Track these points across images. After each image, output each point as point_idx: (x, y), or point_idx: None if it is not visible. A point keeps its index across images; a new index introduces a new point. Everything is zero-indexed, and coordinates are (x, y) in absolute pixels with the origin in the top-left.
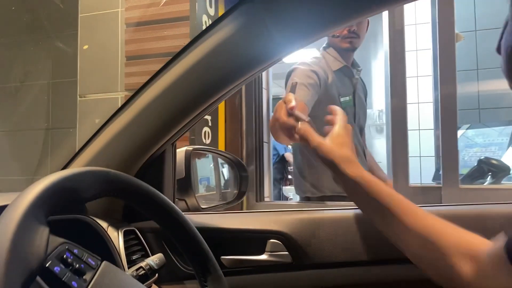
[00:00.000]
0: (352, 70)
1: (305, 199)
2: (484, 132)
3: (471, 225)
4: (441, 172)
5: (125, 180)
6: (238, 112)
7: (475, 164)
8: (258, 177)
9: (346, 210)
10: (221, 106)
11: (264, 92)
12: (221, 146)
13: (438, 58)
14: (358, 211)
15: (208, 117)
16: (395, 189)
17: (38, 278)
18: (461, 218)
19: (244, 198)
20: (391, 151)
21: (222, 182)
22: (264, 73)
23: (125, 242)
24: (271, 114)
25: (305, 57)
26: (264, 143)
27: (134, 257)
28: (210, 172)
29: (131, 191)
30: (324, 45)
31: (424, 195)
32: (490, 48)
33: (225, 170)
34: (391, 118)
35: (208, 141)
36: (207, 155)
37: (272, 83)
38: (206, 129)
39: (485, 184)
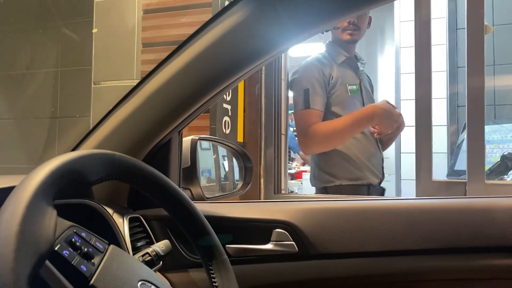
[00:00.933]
0: (356, 62)
1: (322, 189)
2: (499, 129)
3: (480, 218)
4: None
5: (131, 163)
6: (258, 102)
7: (498, 160)
8: (276, 169)
9: (353, 201)
10: (240, 96)
11: (283, 83)
12: (240, 136)
13: (466, 51)
14: (366, 202)
15: (228, 107)
16: (418, 183)
17: (48, 262)
18: (470, 211)
19: (261, 190)
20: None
21: (222, 174)
22: (282, 64)
23: (129, 229)
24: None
25: (311, 54)
26: (282, 135)
27: (138, 244)
28: (211, 164)
29: (137, 174)
30: (330, 40)
31: (448, 190)
32: (507, 43)
33: (225, 162)
34: (415, 113)
35: (228, 131)
36: (209, 147)
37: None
38: (226, 118)
39: (508, 179)
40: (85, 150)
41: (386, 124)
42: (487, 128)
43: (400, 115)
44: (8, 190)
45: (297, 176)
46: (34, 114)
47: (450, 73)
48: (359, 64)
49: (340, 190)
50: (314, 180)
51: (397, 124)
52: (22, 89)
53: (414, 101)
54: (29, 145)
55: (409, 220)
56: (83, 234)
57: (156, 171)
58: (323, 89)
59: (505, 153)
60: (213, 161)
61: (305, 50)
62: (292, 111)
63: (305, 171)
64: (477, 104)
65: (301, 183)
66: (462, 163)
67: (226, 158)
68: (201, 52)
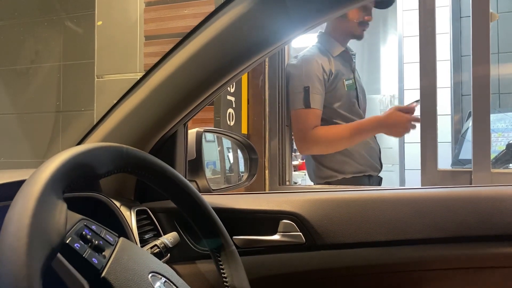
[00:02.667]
0: (350, 55)
1: (324, 184)
2: (504, 117)
3: (487, 207)
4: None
5: (139, 156)
6: (261, 94)
7: (504, 149)
8: (281, 161)
9: (360, 191)
10: (244, 88)
11: None
12: (244, 128)
13: (471, 39)
14: (372, 192)
15: (232, 99)
16: (423, 172)
17: (59, 255)
18: (477, 199)
19: (267, 182)
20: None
21: (227, 165)
22: (285, 56)
23: (137, 221)
24: None
25: (306, 47)
26: (286, 127)
27: (146, 236)
28: (216, 156)
29: (145, 167)
30: (321, 30)
31: (453, 179)
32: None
33: (230, 154)
34: (420, 102)
35: (232, 123)
36: (214, 139)
37: None
38: (230, 110)
39: None
40: (93, 143)
41: (394, 132)
42: (492, 117)
43: (409, 119)
44: (19, 184)
45: (300, 167)
46: (37, 108)
47: (454, 62)
48: (352, 57)
49: (343, 183)
50: (314, 176)
51: (407, 130)
52: (25, 84)
53: (417, 90)
54: (32, 139)
55: (415, 209)
56: (93, 227)
57: (164, 164)
58: (322, 87)
59: (510, 142)
60: (218, 153)
61: (308, 41)
62: None
63: None
64: (483, 93)
65: (305, 174)
66: (466, 152)
67: (230, 150)
68: (205, 44)
